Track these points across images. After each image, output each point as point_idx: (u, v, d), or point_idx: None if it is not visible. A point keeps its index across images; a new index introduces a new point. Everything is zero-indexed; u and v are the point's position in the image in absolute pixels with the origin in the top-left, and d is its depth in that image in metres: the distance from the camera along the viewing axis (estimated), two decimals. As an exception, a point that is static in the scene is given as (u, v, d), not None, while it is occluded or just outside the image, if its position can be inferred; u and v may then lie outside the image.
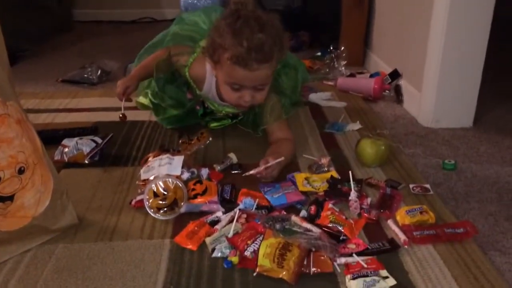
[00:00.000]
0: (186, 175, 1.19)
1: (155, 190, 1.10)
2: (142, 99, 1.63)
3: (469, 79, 1.58)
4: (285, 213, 1.08)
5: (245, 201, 1.11)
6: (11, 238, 0.95)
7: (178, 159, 1.19)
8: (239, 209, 1.08)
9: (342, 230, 1.01)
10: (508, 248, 1.00)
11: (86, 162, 1.32)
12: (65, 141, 1.36)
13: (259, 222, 1.02)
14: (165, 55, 1.43)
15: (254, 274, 0.90)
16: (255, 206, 1.10)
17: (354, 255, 0.94)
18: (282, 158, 1.24)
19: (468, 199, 1.19)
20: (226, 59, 1.21)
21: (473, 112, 1.62)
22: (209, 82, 1.40)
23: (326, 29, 2.61)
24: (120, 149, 1.44)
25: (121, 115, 1.44)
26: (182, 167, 1.18)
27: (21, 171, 0.91)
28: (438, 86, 1.58)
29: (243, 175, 1.24)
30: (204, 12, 1.62)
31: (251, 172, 1.21)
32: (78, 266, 0.94)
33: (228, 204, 1.13)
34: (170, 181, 1.11)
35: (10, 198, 0.90)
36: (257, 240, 0.96)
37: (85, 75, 2.10)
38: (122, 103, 1.42)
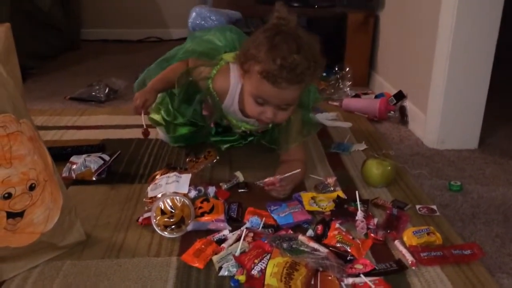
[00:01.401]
0: (193, 193, 1.20)
1: (162, 208, 1.10)
2: (154, 115, 1.60)
3: (474, 101, 1.59)
4: (291, 232, 1.08)
5: (252, 220, 1.12)
6: (20, 254, 0.95)
7: (186, 177, 1.20)
8: (246, 228, 1.08)
9: (349, 250, 1.01)
10: (515, 271, 1.00)
11: (94, 179, 1.33)
12: (73, 158, 1.37)
13: (266, 241, 1.02)
14: (184, 67, 1.42)
15: (261, 293, 0.90)
16: (261, 225, 1.10)
17: (361, 275, 0.93)
18: (298, 170, 1.23)
19: (475, 221, 1.19)
20: (257, 72, 1.19)
21: (478, 134, 1.63)
22: (231, 95, 1.37)
23: (331, 50, 2.64)
24: (127, 166, 1.45)
25: (143, 130, 1.39)
26: (189, 185, 1.19)
27: (32, 188, 0.92)
28: (443, 107, 1.59)
29: (257, 183, 1.22)
30: (219, 31, 1.60)
31: (266, 180, 1.20)
32: (85, 283, 0.94)
33: (235, 222, 1.13)
34: (178, 199, 1.11)
35: (20, 214, 0.91)
36: (264, 259, 0.96)
37: (93, 93, 2.13)
38: (142, 117, 1.37)
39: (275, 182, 1.21)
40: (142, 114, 1.37)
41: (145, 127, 1.39)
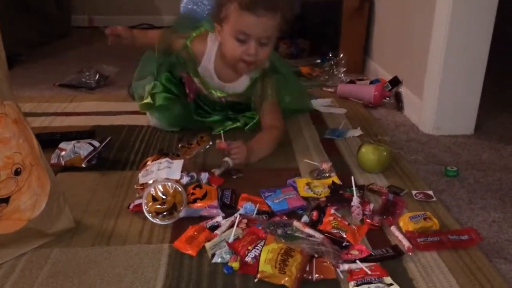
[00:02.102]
0: (185, 180, 1.17)
1: (154, 194, 1.08)
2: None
3: (471, 86, 1.57)
4: (286, 218, 1.06)
5: (246, 206, 1.09)
6: (6, 241, 0.92)
7: (178, 163, 1.17)
8: (240, 214, 1.06)
9: (345, 236, 0.99)
10: (513, 256, 0.99)
11: (84, 166, 1.30)
12: (62, 145, 1.33)
13: (260, 228, 1.00)
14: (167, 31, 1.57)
15: (255, 280, 0.88)
16: (255, 211, 1.08)
17: (357, 261, 0.92)
18: (240, 143, 1.31)
19: (471, 206, 1.17)
20: (234, 9, 1.31)
21: (474, 119, 1.61)
22: (208, 56, 1.48)
23: (326, 37, 2.61)
24: (118, 153, 1.42)
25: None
26: (182, 171, 1.16)
27: (17, 173, 0.89)
28: (439, 93, 1.57)
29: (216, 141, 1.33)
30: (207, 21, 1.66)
31: (218, 141, 1.32)
32: (74, 270, 0.91)
33: (228, 209, 1.11)
34: (169, 185, 1.09)
35: (6, 200, 0.88)
36: (258, 245, 0.94)
37: (83, 80, 2.09)
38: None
39: (224, 147, 1.29)
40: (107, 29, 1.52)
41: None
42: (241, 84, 1.52)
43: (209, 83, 1.53)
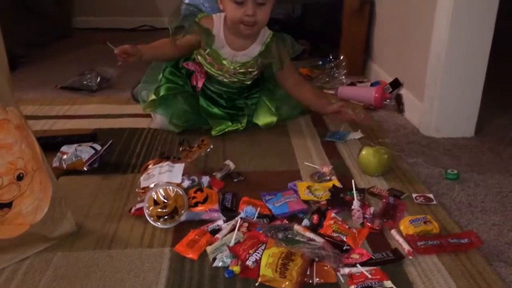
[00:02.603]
0: (186, 183, 1.18)
1: (155, 198, 1.08)
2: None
3: (471, 89, 1.57)
4: (287, 222, 1.06)
5: (247, 210, 1.10)
6: (9, 246, 0.93)
7: (179, 167, 1.18)
8: (241, 218, 1.06)
9: (345, 240, 0.99)
10: (513, 259, 0.99)
11: (85, 169, 1.31)
12: (63, 148, 1.34)
13: (261, 231, 1.01)
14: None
15: (256, 284, 0.89)
16: (256, 215, 1.09)
17: (358, 265, 0.92)
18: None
19: (472, 209, 1.18)
20: None
21: (475, 122, 1.61)
22: (217, 28, 1.54)
23: (326, 38, 2.62)
24: (119, 156, 1.42)
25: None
26: (183, 175, 1.17)
27: (20, 178, 0.89)
28: (440, 95, 1.57)
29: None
30: None
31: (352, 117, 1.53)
32: (76, 274, 0.92)
33: (229, 212, 1.11)
34: (171, 189, 1.09)
35: (8, 205, 0.89)
36: (259, 249, 0.94)
37: (84, 82, 2.09)
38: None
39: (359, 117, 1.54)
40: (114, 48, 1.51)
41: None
42: (253, 50, 1.56)
43: (221, 56, 1.55)
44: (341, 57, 2.22)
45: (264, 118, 1.61)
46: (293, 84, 1.61)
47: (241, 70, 1.57)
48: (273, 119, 1.61)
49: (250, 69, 1.58)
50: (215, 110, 1.60)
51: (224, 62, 1.56)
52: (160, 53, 1.62)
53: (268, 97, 1.64)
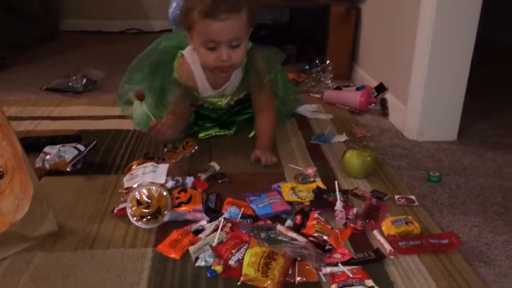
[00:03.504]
0: (170, 184, 1.17)
1: (138, 198, 1.08)
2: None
3: (454, 94, 1.60)
4: (270, 222, 1.06)
5: (230, 210, 1.10)
6: (-13, 245, 0.92)
7: (163, 167, 1.18)
8: (224, 218, 1.06)
9: (328, 240, 1.00)
10: (492, 260, 1.00)
11: (68, 170, 1.29)
12: (47, 149, 1.33)
13: (244, 231, 1.01)
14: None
15: (238, 283, 0.89)
16: (240, 215, 1.09)
17: (339, 264, 0.93)
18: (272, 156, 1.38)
19: (453, 211, 1.19)
20: (197, 18, 1.26)
21: (457, 126, 1.64)
22: (197, 73, 1.44)
23: (313, 43, 2.64)
24: (103, 157, 1.42)
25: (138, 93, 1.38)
26: (167, 176, 1.16)
27: (-1, 176, 0.88)
28: (423, 100, 1.59)
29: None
30: None
31: (263, 163, 1.36)
32: (56, 275, 0.91)
33: (213, 213, 1.11)
34: (154, 189, 1.09)
35: (-12, 203, 0.88)
36: (242, 249, 0.94)
37: (70, 84, 2.08)
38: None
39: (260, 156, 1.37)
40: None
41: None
42: (236, 77, 1.48)
43: (211, 97, 1.51)
44: (328, 62, 2.24)
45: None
46: (260, 103, 1.50)
47: (234, 99, 1.53)
48: None
49: (241, 95, 1.52)
50: (210, 126, 1.58)
51: (215, 100, 1.52)
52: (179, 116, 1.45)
53: None
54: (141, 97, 1.36)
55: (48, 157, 1.30)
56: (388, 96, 1.86)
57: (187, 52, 1.44)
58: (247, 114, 1.60)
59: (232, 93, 1.51)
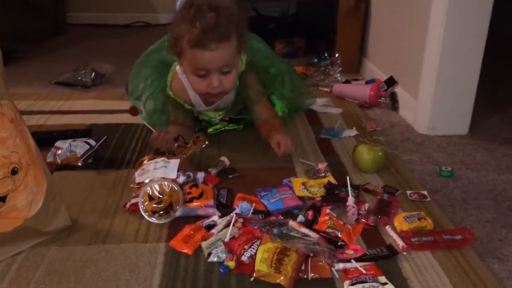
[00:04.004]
0: (181, 179, 1.18)
1: (150, 193, 1.08)
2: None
3: (465, 87, 1.58)
4: (282, 218, 1.06)
5: (242, 206, 1.10)
6: (3, 240, 0.92)
7: (174, 162, 1.18)
8: (236, 214, 1.06)
9: (340, 236, 1.00)
10: (506, 256, 1.00)
11: (80, 164, 1.30)
12: (58, 143, 1.33)
13: (256, 227, 1.01)
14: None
15: (251, 279, 0.89)
16: (251, 211, 1.09)
17: (352, 260, 0.92)
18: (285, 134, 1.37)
19: (466, 206, 1.18)
20: (186, 46, 1.25)
21: (469, 120, 1.63)
22: (190, 89, 1.44)
23: (322, 36, 2.62)
24: (114, 151, 1.42)
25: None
26: (178, 171, 1.16)
27: (14, 172, 0.89)
28: (434, 93, 1.58)
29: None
30: None
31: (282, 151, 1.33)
32: (70, 269, 0.92)
33: (224, 208, 1.11)
34: (166, 184, 1.09)
35: (3, 199, 0.88)
36: (254, 244, 0.94)
37: (79, 78, 2.08)
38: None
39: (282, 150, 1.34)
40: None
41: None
42: (228, 97, 1.47)
43: (204, 112, 1.53)
44: (336, 55, 2.23)
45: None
46: (257, 111, 1.49)
47: (230, 115, 1.54)
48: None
49: (237, 108, 1.53)
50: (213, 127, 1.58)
51: (209, 114, 1.54)
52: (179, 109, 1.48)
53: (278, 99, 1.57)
54: (134, 113, 1.40)
55: (59, 151, 1.31)
56: (398, 89, 1.85)
57: (179, 68, 1.43)
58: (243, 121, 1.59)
59: (225, 108, 1.52)
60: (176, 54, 1.32)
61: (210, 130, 1.55)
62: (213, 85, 1.29)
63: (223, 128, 1.57)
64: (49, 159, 1.30)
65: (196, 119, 1.57)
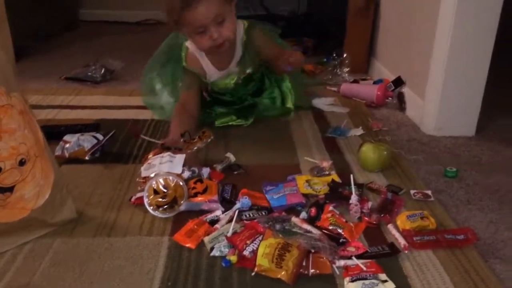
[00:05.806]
0: (186, 174, 1.19)
1: (155, 188, 1.09)
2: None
3: (473, 88, 1.57)
4: (285, 214, 1.07)
5: (242, 201, 1.10)
6: (10, 230, 0.94)
7: (180, 157, 1.19)
8: (238, 209, 1.07)
9: (342, 233, 1.00)
10: (508, 257, 0.99)
11: (87, 158, 1.32)
12: (66, 137, 1.36)
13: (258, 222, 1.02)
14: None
15: (253, 273, 0.90)
16: (250, 206, 1.09)
17: (353, 257, 0.93)
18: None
19: (469, 207, 1.18)
20: (178, 14, 1.37)
21: (476, 121, 1.62)
22: (203, 61, 1.54)
23: (331, 35, 2.62)
24: (121, 146, 1.44)
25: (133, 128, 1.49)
26: (183, 166, 1.18)
27: (22, 163, 0.91)
28: (442, 94, 1.57)
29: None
30: None
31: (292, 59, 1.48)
32: (75, 260, 0.93)
33: (228, 204, 1.12)
34: (171, 179, 1.10)
35: (10, 189, 0.90)
36: (256, 240, 0.95)
37: (89, 73, 2.11)
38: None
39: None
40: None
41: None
42: (237, 55, 1.55)
43: (219, 80, 1.58)
44: (345, 55, 2.22)
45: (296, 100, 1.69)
46: (270, 56, 1.59)
47: (242, 78, 1.59)
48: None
49: (248, 71, 1.58)
50: (225, 98, 1.63)
51: (223, 82, 1.59)
52: (189, 111, 1.52)
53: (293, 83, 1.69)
54: (136, 135, 1.48)
55: (67, 145, 1.33)
56: (405, 90, 1.84)
57: (189, 43, 1.55)
58: (266, 98, 1.67)
59: (238, 70, 1.57)
60: (175, 26, 1.43)
61: (217, 122, 1.58)
62: (214, 36, 1.39)
63: (230, 123, 1.59)
64: (57, 152, 1.32)
65: (206, 106, 1.61)
